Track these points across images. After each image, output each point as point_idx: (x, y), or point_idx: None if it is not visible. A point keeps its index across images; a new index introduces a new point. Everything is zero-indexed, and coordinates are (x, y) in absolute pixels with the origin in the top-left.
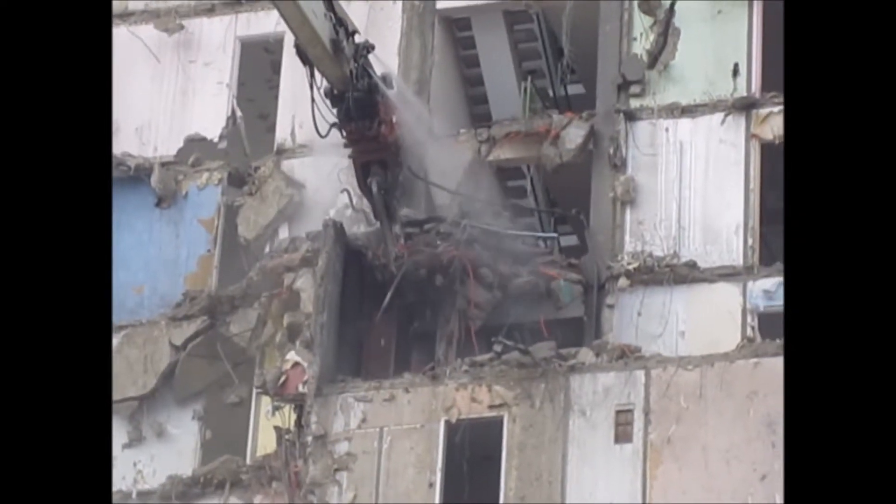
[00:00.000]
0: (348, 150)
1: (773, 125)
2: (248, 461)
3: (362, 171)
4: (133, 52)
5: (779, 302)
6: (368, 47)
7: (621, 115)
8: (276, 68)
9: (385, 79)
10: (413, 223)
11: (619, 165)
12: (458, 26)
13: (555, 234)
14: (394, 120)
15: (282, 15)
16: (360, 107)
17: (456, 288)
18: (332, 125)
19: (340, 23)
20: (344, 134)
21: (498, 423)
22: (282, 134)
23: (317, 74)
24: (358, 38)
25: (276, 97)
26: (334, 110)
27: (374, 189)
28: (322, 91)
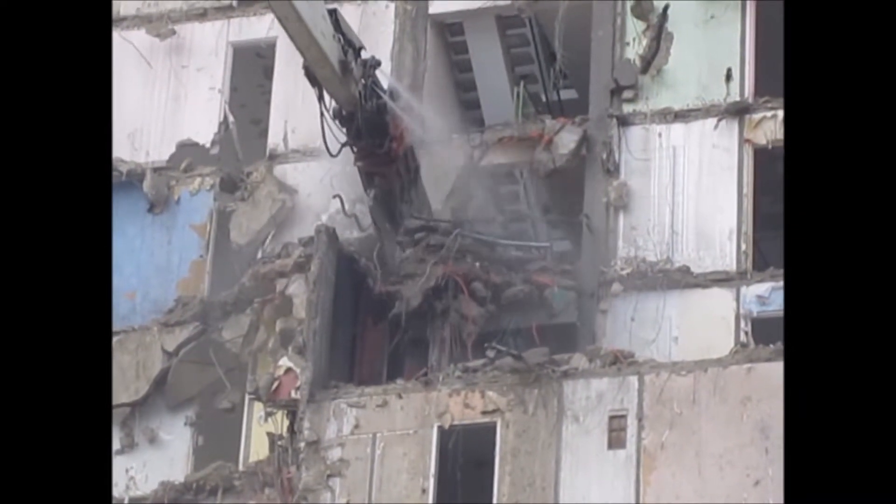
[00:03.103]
0: (340, 157)
1: (766, 130)
2: (240, 467)
3: (367, 179)
4: (125, 57)
5: (772, 307)
6: (375, 64)
7: (614, 119)
8: (268, 73)
9: (392, 94)
10: (405, 231)
11: (612, 170)
12: (450, 31)
13: (547, 244)
14: (403, 133)
15: (289, 35)
16: (370, 127)
17: (448, 302)
18: (344, 144)
19: (349, 43)
20: (355, 150)
21: (491, 428)
22: (274, 139)
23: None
24: (364, 54)
25: (269, 102)
26: (343, 129)
27: (370, 201)
28: (331, 112)
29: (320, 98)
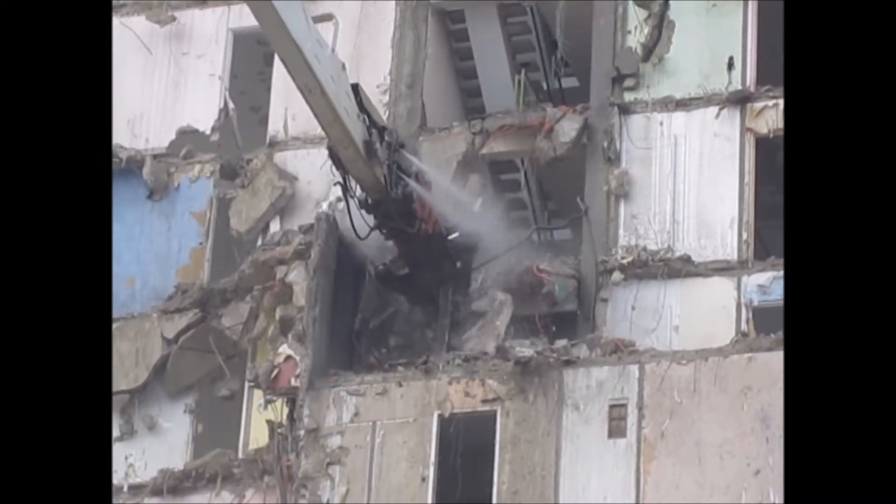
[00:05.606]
0: None
1: (767, 119)
2: (240, 455)
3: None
4: (125, 43)
5: (773, 296)
6: (399, 145)
7: (615, 108)
8: (268, 60)
9: (418, 176)
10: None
11: (613, 159)
12: (451, 19)
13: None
14: (431, 213)
15: (313, 111)
16: (398, 213)
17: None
18: (372, 229)
19: (373, 123)
20: (384, 231)
21: (491, 417)
22: (274, 126)
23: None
24: (387, 135)
25: (269, 89)
26: (370, 214)
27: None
28: (357, 200)
29: (345, 183)
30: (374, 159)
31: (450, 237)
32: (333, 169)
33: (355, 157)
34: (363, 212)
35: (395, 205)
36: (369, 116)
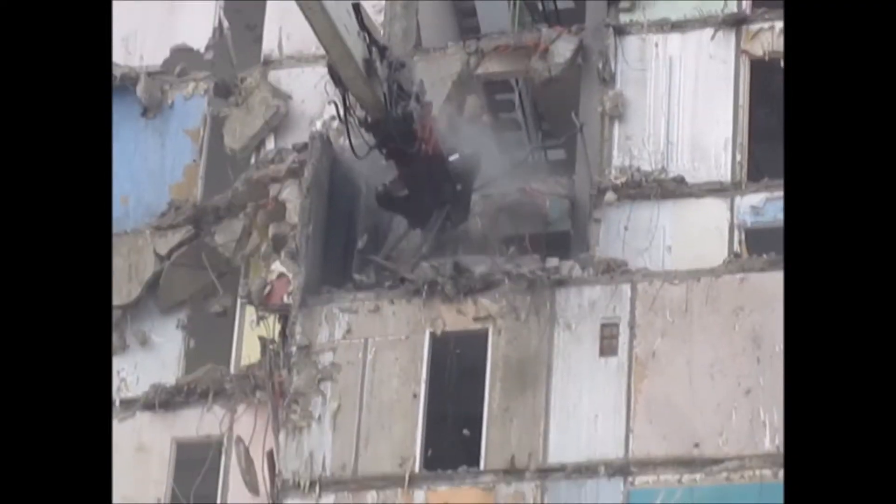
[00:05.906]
0: None
1: (763, 41)
2: (231, 370)
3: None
4: None
5: (766, 218)
6: (399, 65)
7: (611, 29)
8: None
9: (418, 96)
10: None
11: (607, 80)
12: None
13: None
14: (432, 132)
15: (313, 28)
16: (398, 132)
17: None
18: (371, 148)
19: (374, 42)
20: (384, 151)
21: (483, 335)
22: (269, 45)
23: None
24: (388, 55)
25: (264, 8)
26: (370, 134)
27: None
28: (356, 120)
29: (345, 101)
30: (375, 78)
31: (450, 158)
32: (329, 88)
33: (355, 76)
34: (362, 131)
35: (395, 124)
36: (370, 35)
